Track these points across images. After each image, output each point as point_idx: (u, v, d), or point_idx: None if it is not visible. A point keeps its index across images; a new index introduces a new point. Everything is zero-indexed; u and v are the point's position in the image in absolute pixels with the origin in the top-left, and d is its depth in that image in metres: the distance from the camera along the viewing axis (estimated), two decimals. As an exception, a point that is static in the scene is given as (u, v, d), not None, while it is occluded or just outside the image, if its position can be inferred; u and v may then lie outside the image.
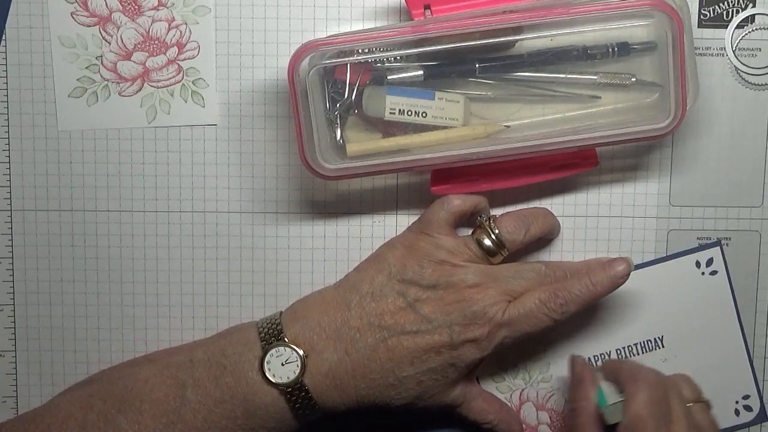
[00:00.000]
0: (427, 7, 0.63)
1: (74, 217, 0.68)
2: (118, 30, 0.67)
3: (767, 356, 0.70)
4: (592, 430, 0.62)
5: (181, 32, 0.67)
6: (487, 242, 0.64)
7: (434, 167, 0.65)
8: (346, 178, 0.64)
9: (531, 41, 0.64)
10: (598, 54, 0.64)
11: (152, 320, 0.69)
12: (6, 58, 0.67)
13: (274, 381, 0.61)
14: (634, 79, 0.65)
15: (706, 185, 0.69)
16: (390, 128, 0.65)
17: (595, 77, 0.65)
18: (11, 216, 0.68)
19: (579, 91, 0.66)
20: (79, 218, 0.68)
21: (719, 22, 0.67)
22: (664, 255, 0.69)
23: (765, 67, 0.68)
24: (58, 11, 0.66)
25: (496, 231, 0.64)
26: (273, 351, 0.61)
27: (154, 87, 0.67)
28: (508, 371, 0.70)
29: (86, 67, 0.67)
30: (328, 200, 0.69)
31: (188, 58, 0.67)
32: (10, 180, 0.68)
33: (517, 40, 0.63)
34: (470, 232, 0.65)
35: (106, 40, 0.67)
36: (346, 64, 0.63)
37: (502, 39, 0.62)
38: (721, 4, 0.67)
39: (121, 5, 0.66)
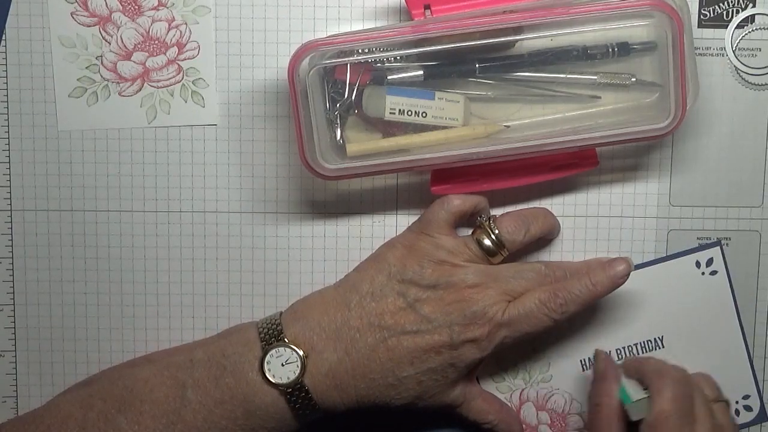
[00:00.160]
0: (427, 7, 0.63)
1: (74, 217, 0.68)
2: (118, 30, 0.67)
3: (767, 356, 0.70)
4: (616, 427, 0.62)
5: (181, 32, 0.67)
6: (487, 242, 0.64)
7: (434, 167, 0.65)
8: (346, 178, 0.64)
9: (531, 41, 0.64)
10: (598, 54, 0.64)
11: (152, 320, 0.69)
12: (6, 58, 0.67)
13: (274, 381, 0.61)
14: (634, 79, 0.65)
15: (706, 185, 0.69)
16: (390, 128, 0.65)
17: (595, 77, 0.65)
18: (11, 216, 0.68)
19: (579, 91, 0.66)
20: (79, 218, 0.68)
21: (719, 22, 0.67)
22: (664, 255, 0.69)
23: (765, 67, 0.68)
24: (58, 11, 0.66)
25: (496, 231, 0.64)
26: (273, 351, 0.61)
27: (154, 87, 0.67)
28: (508, 371, 0.70)
29: (86, 67, 0.67)
30: (328, 200, 0.69)
31: (188, 58, 0.67)
32: (10, 180, 0.68)
33: (517, 40, 0.63)
34: (470, 232, 0.65)
35: (106, 40, 0.67)
36: (346, 64, 0.63)
37: (502, 39, 0.62)
38: (721, 4, 0.67)
39: (121, 5, 0.66)
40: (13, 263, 0.69)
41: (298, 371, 0.61)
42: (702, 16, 0.67)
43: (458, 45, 0.61)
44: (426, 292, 0.62)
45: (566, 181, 0.68)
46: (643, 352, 0.69)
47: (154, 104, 0.67)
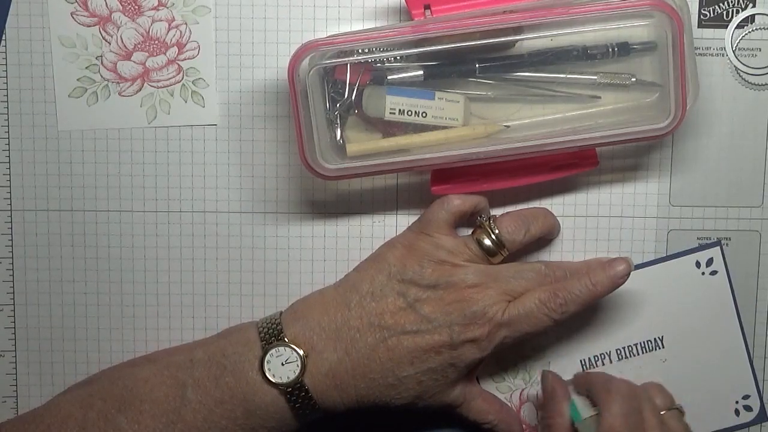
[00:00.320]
0: (427, 7, 0.63)
1: (74, 217, 0.68)
2: (118, 30, 0.67)
3: (767, 356, 0.70)
4: None
5: (181, 32, 0.67)
6: (487, 242, 0.64)
7: (434, 167, 0.65)
8: (346, 178, 0.64)
9: (531, 41, 0.64)
10: (598, 54, 0.64)
11: (152, 320, 0.69)
12: (6, 58, 0.67)
13: (274, 381, 0.61)
14: (634, 79, 0.65)
15: (706, 185, 0.69)
16: (390, 128, 0.65)
17: (595, 77, 0.65)
18: (11, 216, 0.68)
19: (579, 91, 0.66)
20: (79, 218, 0.68)
21: (719, 22, 0.67)
22: (664, 255, 0.69)
23: (765, 67, 0.68)
24: (58, 11, 0.66)
25: (496, 231, 0.64)
26: (273, 351, 0.61)
27: (154, 87, 0.67)
28: (508, 371, 0.70)
29: (86, 67, 0.67)
30: (328, 200, 0.69)
31: (188, 58, 0.67)
32: (10, 180, 0.68)
33: (517, 40, 0.63)
34: (470, 232, 0.65)
35: (106, 40, 0.67)
36: (346, 64, 0.63)
37: (502, 39, 0.62)
38: (721, 4, 0.67)
39: (121, 5, 0.66)
40: (13, 263, 0.69)
41: (298, 371, 0.61)
42: (702, 16, 0.67)
43: (458, 45, 0.61)
44: (426, 292, 0.62)
45: (566, 181, 0.68)
46: (643, 352, 0.69)
47: (154, 104, 0.67)
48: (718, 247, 0.69)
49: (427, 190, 0.66)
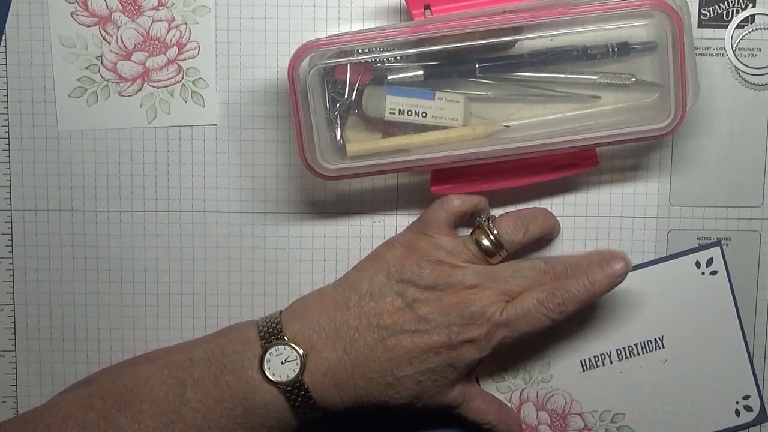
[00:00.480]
0: (427, 7, 0.63)
1: (74, 217, 0.68)
2: (118, 30, 0.67)
3: (767, 356, 0.70)
4: None
5: (181, 32, 0.67)
6: (486, 243, 0.64)
7: (434, 167, 0.65)
8: (346, 178, 0.64)
9: (531, 41, 0.64)
10: (598, 54, 0.64)
11: (152, 320, 0.69)
12: (6, 58, 0.67)
13: (273, 380, 0.61)
14: (634, 79, 0.65)
15: (706, 185, 0.69)
16: (390, 128, 0.65)
17: (595, 77, 0.65)
18: (11, 216, 0.68)
19: (579, 91, 0.66)
20: (79, 218, 0.68)
21: (719, 22, 0.67)
22: (664, 255, 0.69)
23: (765, 67, 0.68)
24: (58, 11, 0.66)
25: (495, 231, 0.64)
26: (273, 350, 0.61)
27: (154, 87, 0.67)
28: (508, 371, 0.70)
29: (86, 67, 0.67)
30: (328, 200, 0.69)
31: (188, 58, 0.67)
32: (10, 180, 0.68)
33: (517, 40, 0.63)
34: (469, 232, 0.65)
35: (106, 40, 0.67)
36: (346, 64, 0.63)
37: (502, 39, 0.62)
38: (721, 4, 0.67)
39: (121, 5, 0.66)
40: (13, 263, 0.69)
41: (298, 369, 0.61)
42: (702, 16, 0.67)
43: (458, 45, 0.61)
44: (424, 293, 0.62)
45: (566, 181, 0.68)
46: (643, 352, 0.69)
47: (154, 104, 0.67)
48: (718, 247, 0.69)
49: (427, 190, 0.66)
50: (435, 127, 0.64)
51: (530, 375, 0.70)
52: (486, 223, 0.64)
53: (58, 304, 0.69)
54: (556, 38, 0.65)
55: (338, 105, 0.64)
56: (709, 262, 0.69)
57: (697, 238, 0.69)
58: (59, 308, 0.69)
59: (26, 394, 0.70)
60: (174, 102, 0.67)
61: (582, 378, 0.70)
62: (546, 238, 0.68)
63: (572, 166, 0.66)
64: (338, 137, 0.64)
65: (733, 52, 0.67)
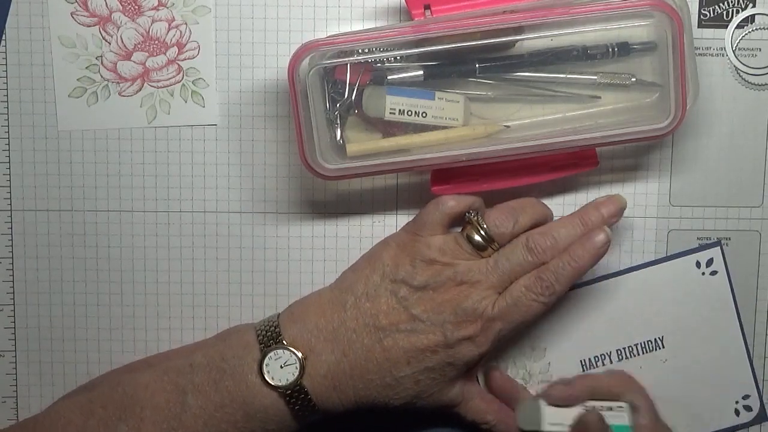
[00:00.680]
0: (427, 7, 0.63)
1: (74, 217, 0.68)
2: (118, 30, 0.67)
3: (767, 356, 0.70)
4: None
5: (181, 32, 0.67)
6: (477, 238, 0.63)
7: (434, 167, 0.64)
8: (346, 178, 0.64)
9: (531, 41, 0.64)
10: (598, 54, 0.64)
11: (152, 320, 0.69)
12: (6, 58, 0.67)
13: (273, 384, 0.61)
14: (634, 79, 0.65)
15: (706, 185, 0.69)
16: (390, 128, 0.65)
17: (595, 77, 0.65)
18: (11, 216, 0.68)
19: (579, 91, 0.66)
20: (79, 218, 0.68)
21: (719, 22, 0.67)
22: (664, 255, 0.69)
23: (765, 67, 0.68)
24: (58, 11, 0.66)
25: (485, 225, 0.64)
26: (272, 354, 0.61)
27: (154, 87, 0.67)
28: (508, 371, 0.70)
29: (86, 67, 0.67)
30: (328, 200, 0.69)
31: (188, 58, 0.67)
32: (10, 180, 0.68)
33: (517, 40, 0.63)
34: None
35: (106, 40, 0.67)
36: (346, 64, 0.63)
37: (503, 39, 0.62)
38: (721, 4, 0.67)
39: (121, 5, 0.66)
40: (13, 263, 0.69)
41: (297, 373, 0.61)
42: (702, 16, 0.67)
43: (458, 45, 0.61)
44: (417, 292, 0.62)
45: (566, 181, 0.68)
46: (643, 352, 0.69)
47: (154, 104, 0.67)
48: (718, 247, 0.69)
49: (427, 190, 0.65)
50: (435, 127, 0.64)
51: (530, 375, 0.70)
52: (476, 218, 0.64)
53: (58, 304, 0.69)
54: (556, 38, 0.65)
55: (338, 105, 0.64)
56: (709, 262, 0.69)
57: (697, 238, 0.69)
58: (59, 308, 0.69)
59: (26, 395, 0.70)
60: (174, 102, 0.67)
61: (582, 378, 0.70)
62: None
63: (572, 166, 0.66)
64: (338, 137, 0.64)
65: (733, 52, 0.67)
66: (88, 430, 0.61)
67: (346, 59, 0.62)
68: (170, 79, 0.67)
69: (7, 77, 0.67)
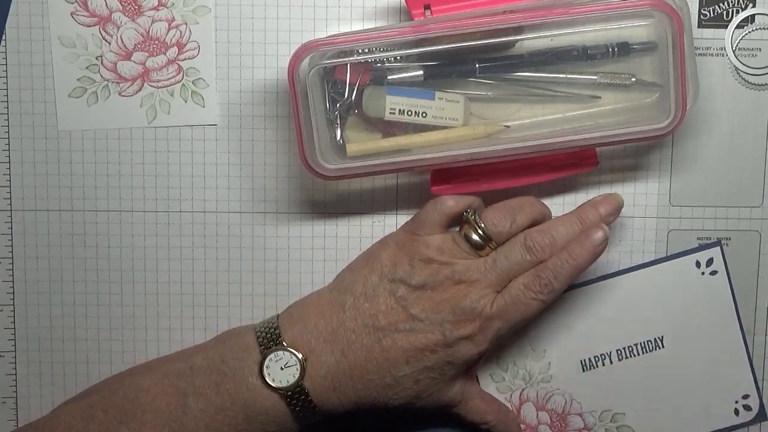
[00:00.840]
0: (427, 7, 0.63)
1: (74, 217, 0.68)
2: (118, 30, 0.67)
3: (767, 356, 0.70)
4: None
5: (181, 32, 0.67)
6: (475, 237, 0.63)
7: (434, 167, 0.65)
8: (346, 178, 0.64)
9: (531, 41, 0.64)
10: (598, 54, 0.64)
11: (152, 320, 0.69)
12: (6, 58, 0.67)
13: (274, 385, 0.61)
14: (634, 79, 0.65)
15: (706, 185, 0.69)
16: (390, 128, 0.65)
17: (595, 77, 0.65)
18: (11, 216, 0.68)
19: (579, 91, 0.66)
20: (79, 218, 0.68)
21: (719, 22, 0.67)
22: (664, 255, 0.69)
23: (765, 67, 0.68)
24: (58, 11, 0.66)
25: (482, 224, 0.64)
26: (272, 355, 0.61)
27: (154, 87, 0.67)
28: (508, 371, 0.70)
29: (86, 67, 0.67)
30: (328, 200, 0.69)
31: (188, 58, 0.67)
32: (10, 180, 0.68)
33: (517, 40, 0.63)
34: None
35: (106, 40, 0.67)
36: (346, 64, 0.63)
37: (503, 39, 0.62)
38: (721, 4, 0.67)
39: (121, 5, 0.66)
40: (13, 263, 0.69)
41: (298, 374, 0.61)
42: (702, 16, 0.67)
43: (458, 45, 0.61)
44: (415, 292, 0.62)
45: (566, 181, 0.68)
46: (643, 352, 0.69)
47: (154, 104, 0.67)
48: (718, 247, 0.69)
49: (427, 190, 0.65)
50: (435, 127, 0.64)
51: (530, 375, 0.70)
52: (473, 217, 0.64)
53: (58, 304, 0.69)
54: (556, 38, 0.65)
55: (338, 105, 0.64)
56: (709, 262, 0.69)
57: (697, 238, 0.69)
58: (59, 308, 0.69)
59: (26, 395, 0.70)
60: (174, 102, 0.67)
61: (582, 378, 0.70)
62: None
63: (572, 166, 0.66)
64: (338, 137, 0.64)
65: (733, 52, 0.67)
66: (89, 435, 0.61)
67: (346, 59, 0.62)
68: (170, 79, 0.67)
69: (7, 77, 0.67)
